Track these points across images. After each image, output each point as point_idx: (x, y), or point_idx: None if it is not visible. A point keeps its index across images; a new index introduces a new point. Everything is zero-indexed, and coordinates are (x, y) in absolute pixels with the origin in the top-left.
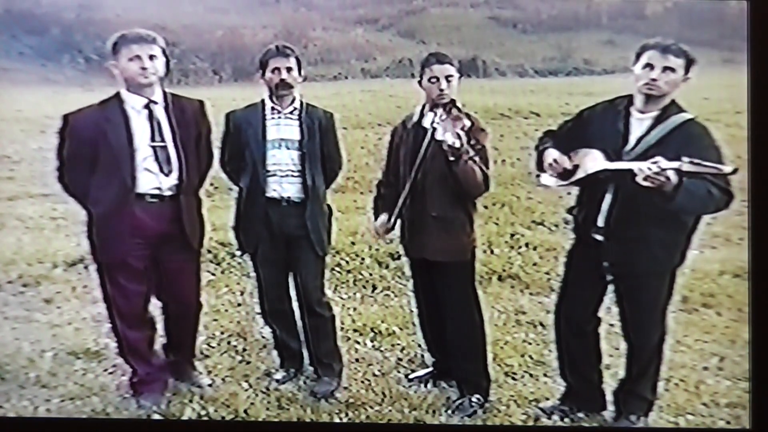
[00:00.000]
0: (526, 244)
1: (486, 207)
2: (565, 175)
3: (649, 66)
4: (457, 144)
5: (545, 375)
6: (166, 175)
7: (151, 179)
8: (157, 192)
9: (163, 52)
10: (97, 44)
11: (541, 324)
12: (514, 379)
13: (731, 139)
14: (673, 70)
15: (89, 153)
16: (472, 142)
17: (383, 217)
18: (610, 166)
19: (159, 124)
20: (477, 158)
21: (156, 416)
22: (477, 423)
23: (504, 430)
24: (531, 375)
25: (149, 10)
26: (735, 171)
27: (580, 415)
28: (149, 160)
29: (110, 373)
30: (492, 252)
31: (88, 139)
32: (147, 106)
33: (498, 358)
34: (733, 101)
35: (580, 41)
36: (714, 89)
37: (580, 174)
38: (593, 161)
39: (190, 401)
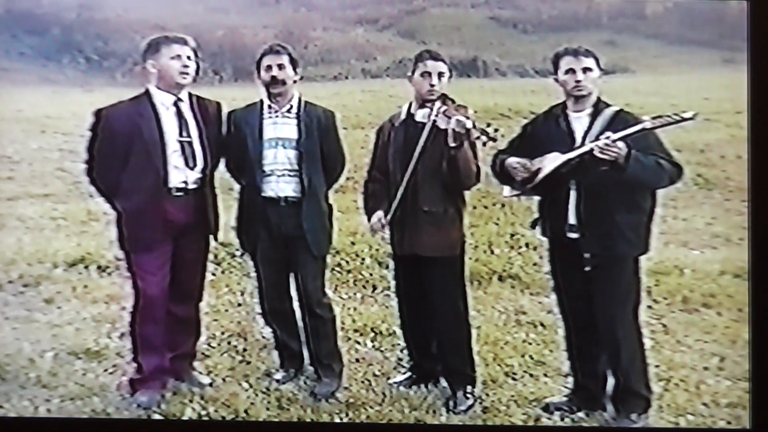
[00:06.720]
0: (526, 244)
1: (486, 207)
2: (528, 180)
3: (571, 71)
4: (468, 124)
5: (545, 375)
6: (191, 169)
7: (178, 173)
8: (183, 186)
9: (195, 54)
10: (97, 44)
11: (542, 324)
12: (514, 379)
13: (731, 139)
14: (590, 69)
15: (123, 147)
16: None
17: (379, 213)
18: (570, 155)
19: (186, 120)
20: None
21: (156, 416)
22: (477, 423)
23: (504, 430)
24: (531, 375)
25: (149, 10)
26: (695, 116)
27: (581, 414)
28: (176, 154)
29: (110, 373)
30: (492, 252)
31: (123, 133)
32: (175, 104)
33: (498, 358)
34: (733, 101)
35: (580, 41)
36: (714, 89)
37: (544, 172)
38: (552, 160)
39: (190, 401)
